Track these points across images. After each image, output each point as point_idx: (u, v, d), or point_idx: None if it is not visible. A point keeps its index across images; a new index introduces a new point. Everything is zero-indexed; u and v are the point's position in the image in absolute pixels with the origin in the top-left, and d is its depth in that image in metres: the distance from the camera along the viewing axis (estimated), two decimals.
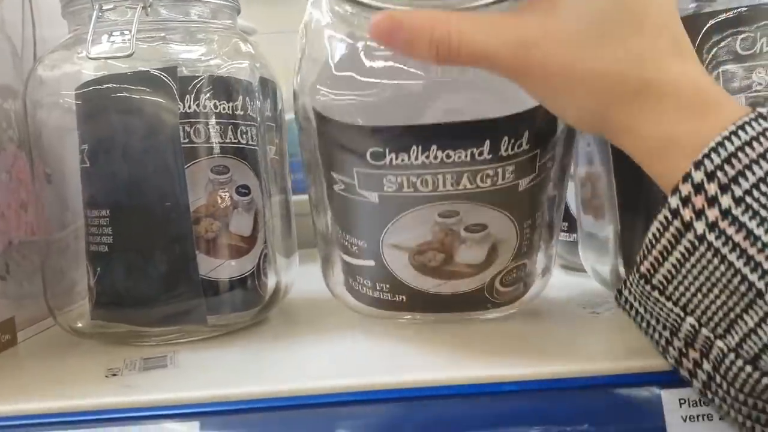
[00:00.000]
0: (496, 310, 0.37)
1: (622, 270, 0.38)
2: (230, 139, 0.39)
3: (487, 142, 0.32)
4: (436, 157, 0.32)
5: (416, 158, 0.32)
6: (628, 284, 0.29)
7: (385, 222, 0.34)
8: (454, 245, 0.34)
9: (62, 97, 0.38)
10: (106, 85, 0.36)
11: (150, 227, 0.36)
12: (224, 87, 0.38)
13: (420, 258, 0.35)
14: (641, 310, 0.29)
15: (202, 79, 0.38)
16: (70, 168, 0.38)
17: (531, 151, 0.33)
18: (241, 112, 0.39)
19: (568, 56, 0.27)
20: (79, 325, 0.39)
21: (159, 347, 0.37)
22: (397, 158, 0.32)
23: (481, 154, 0.32)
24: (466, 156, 0.32)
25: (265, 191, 0.40)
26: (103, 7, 0.35)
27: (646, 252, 0.27)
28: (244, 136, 0.39)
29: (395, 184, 0.32)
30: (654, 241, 0.27)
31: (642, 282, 0.28)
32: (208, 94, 0.38)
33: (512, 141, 0.32)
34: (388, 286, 0.36)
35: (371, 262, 0.36)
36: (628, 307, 0.29)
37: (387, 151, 0.32)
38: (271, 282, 0.41)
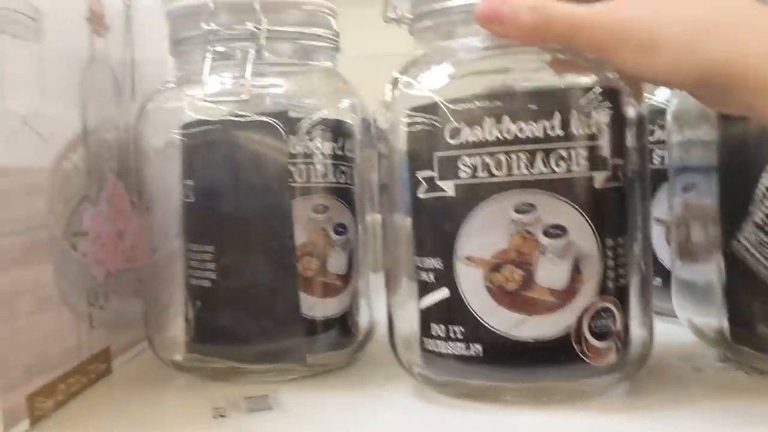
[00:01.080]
0: (596, 376, 0.34)
1: (726, 325, 0.37)
2: (330, 178, 0.39)
3: (558, 115, 0.32)
4: (509, 131, 0.32)
5: (490, 132, 0.32)
6: (744, 234, 0.30)
7: (460, 221, 0.33)
8: (533, 256, 0.33)
9: (169, 133, 0.38)
10: (216, 125, 0.37)
11: (255, 265, 0.37)
12: (326, 128, 0.39)
13: (496, 277, 0.34)
14: (759, 257, 0.29)
15: (306, 121, 0.38)
16: (173, 201, 0.39)
17: (600, 139, 0.33)
18: (341, 153, 0.39)
19: (657, 5, 0.30)
20: (178, 358, 0.40)
21: (256, 385, 0.38)
22: (472, 133, 0.32)
23: (552, 128, 0.32)
24: (537, 130, 0.32)
25: (360, 229, 0.41)
26: (216, 49, 0.36)
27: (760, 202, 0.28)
28: (342, 175, 0.40)
29: (470, 167, 0.32)
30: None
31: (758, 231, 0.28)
32: (311, 135, 0.38)
33: (581, 118, 0.32)
34: (462, 329, 0.34)
35: (445, 292, 0.34)
36: (745, 253, 0.30)
37: (463, 125, 0.32)
38: (364, 320, 0.41)
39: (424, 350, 0.35)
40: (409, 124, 0.35)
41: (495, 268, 0.33)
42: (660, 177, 0.46)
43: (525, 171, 0.32)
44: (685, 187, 0.42)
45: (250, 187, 0.37)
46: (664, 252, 0.48)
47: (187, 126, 0.38)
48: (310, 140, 0.38)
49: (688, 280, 0.42)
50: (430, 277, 0.34)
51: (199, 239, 0.38)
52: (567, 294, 0.33)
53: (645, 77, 0.31)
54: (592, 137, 0.32)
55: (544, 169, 0.32)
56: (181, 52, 0.39)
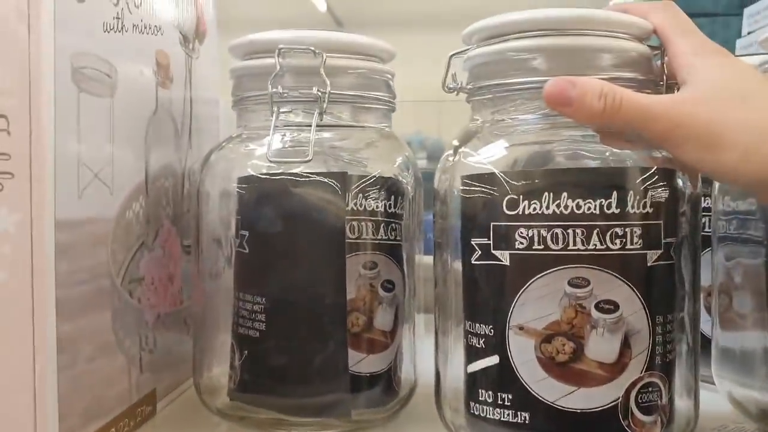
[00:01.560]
0: None
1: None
2: (381, 235, 0.40)
3: (615, 194, 0.33)
4: (566, 207, 0.33)
5: (547, 206, 0.33)
6: None
7: (515, 291, 0.34)
8: (585, 329, 0.33)
9: (230, 184, 0.40)
10: (276, 180, 0.38)
11: (306, 320, 0.38)
12: (381, 186, 0.40)
13: (547, 348, 0.34)
14: None
15: (361, 179, 0.39)
16: (226, 248, 0.40)
17: (655, 218, 0.33)
18: (393, 210, 0.40)
19: (722, 104, 0.31)
20: (221, 405, 0.40)
21: None
22: (529, 206, 0.33)
23: (609, 207, 0.33)
24: (594, 207, 0.33)
25: (407, 286, 0.41)
26: (281, 110, 0.37)
27: None
28: (393, 232, 0.40)
29: (526, 239, 0.33)
30: None
31: None
32: (365, 194, 0.39)
33: (637, 198, 0.33)
34: (510, 397, 0.35)
35: (495, 359, 0.35)
36: None
37: (521, 198, 0.33)
38: (408, 376, 0.42)
39: (470, 414, 0.36)
40: (465, 191, 0.35)
41: (547, 339, 0.34)
42: (703, 244, 0.47)
43: (581, 246, 0.33)
44: (728, 255, 0.42)
45: (306, 242, 0.38)
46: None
47: (246, 179, 0.39)
48: (365, 198, 0.39)
49: (729, 349, 0.42)
50: (480, 343, 0.35)
51: (250, 289, 0.39)
52: (616, 368, 0.34)
53: (706, 172, 0.33)
54: (647, 216, 0.33)
55: (599, 246, 0.33)
56: (244, 109, 0.40)
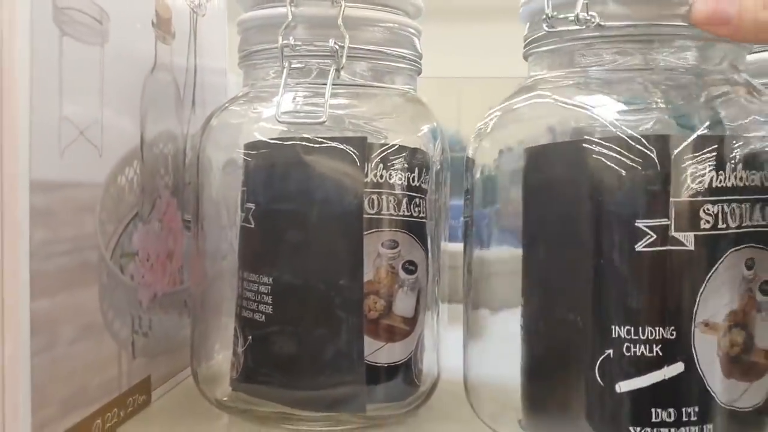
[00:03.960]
0: None
1: None
2: (403, 211, 0.36)
3: None
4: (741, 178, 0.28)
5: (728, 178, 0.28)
6: None
7: (701, 281, 0.28)
8: (752, 315, 0.28)
9: (234, 151, 0.36)
10: (287, 147, 0.33)
11: (318, 303, 0.33)
12: (403, 157, 0.35)
13: (725, 342, 0.29)
14: None
15: (381, 147, 0.35)
16: (231, 224, 0.36)
17: None
18: (417, 183, 0.36)
19: None
20: (224, 398, 0.36)
21: None
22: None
23: None
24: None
25: (430, 268, 0.37)
26: (293, 65, 0.33)
27: None
28: (416, 208, 0.36)
29: (712, 216, 0.28)
30: None
31: None
32: (386, 164, 0.35)
33: None
34: (697, 409, 0.28)
35: (680, 367, 0.28)
36: None
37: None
38: (429, 369, 0.37)
39: None
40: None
41: (727, 331, 0.28)
42: None
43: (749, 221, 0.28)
44: None
45: (320, 217, 0.33)
46: None
47: (253, 145, 0.35)
48: (384, 169, 0.35)
49: None
50: (658, 353, 0.28)
51: (257, 268, 0.35)
52: None
53: None
54: None
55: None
56: (251, 65, 0.36)
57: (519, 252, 0.31)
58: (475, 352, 0.34)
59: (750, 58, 0.33)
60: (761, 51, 0.37)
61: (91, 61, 0.31)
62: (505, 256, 0.33)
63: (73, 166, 0.30)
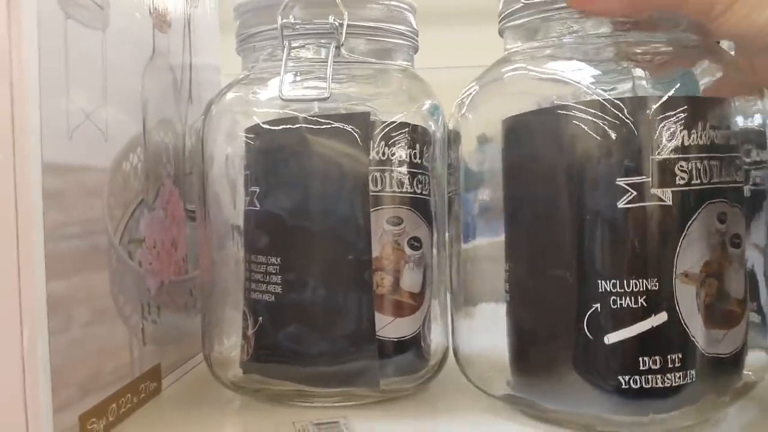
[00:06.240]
0: None
1: None
2: (407, 188, 0.36)
3: None
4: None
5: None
6: None
7: (679, 234, 0.29)
8: (725, 265, 0.30)
9: (236, 135, 0.36)
10: (288, 128, 0.34)
11: (327, 279, 0.34)
12: (404, 133, 0.36)
13: (703, 292, 0.30)
14: None
15: (383, 125, 0.35)
16: (236, 209, 0.37)
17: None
18: (419, 160, 0.36)
19: None
20: (235, 379, 0.36)
21: (321, 410, 0.34)
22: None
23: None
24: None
25: (435, 244, 0.38)
26: (293, 45, 0.33)
27: None
28: (420, 185, 0.36)
29: (687, 172, 0.29)
30: None
31: None
32: (388, 141, 0.35)
33: None
34: (680, 356, 0.30)
35: (664, 316, 0.29)
36: None
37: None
38: (438, 343, 0.38)
39: (621, 389, 0.30)
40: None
41: (702, 282, 0.30)
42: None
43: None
44: None
45: (326, 195, 0.34)
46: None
47: (255, 128, 0.35)
48: (387, 146, 0.35)
49: None
50: (642, 304, 0.29)
51: (264, 250, 0.35)
52: (743, 302, 0.31)
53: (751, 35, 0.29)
54: None
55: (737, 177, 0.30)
56: (250, 49, 0.36)
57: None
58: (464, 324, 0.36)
59: None
60: None
61: (94, 45, 0.31)
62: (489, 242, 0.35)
63: (81, 149, 0.30)
